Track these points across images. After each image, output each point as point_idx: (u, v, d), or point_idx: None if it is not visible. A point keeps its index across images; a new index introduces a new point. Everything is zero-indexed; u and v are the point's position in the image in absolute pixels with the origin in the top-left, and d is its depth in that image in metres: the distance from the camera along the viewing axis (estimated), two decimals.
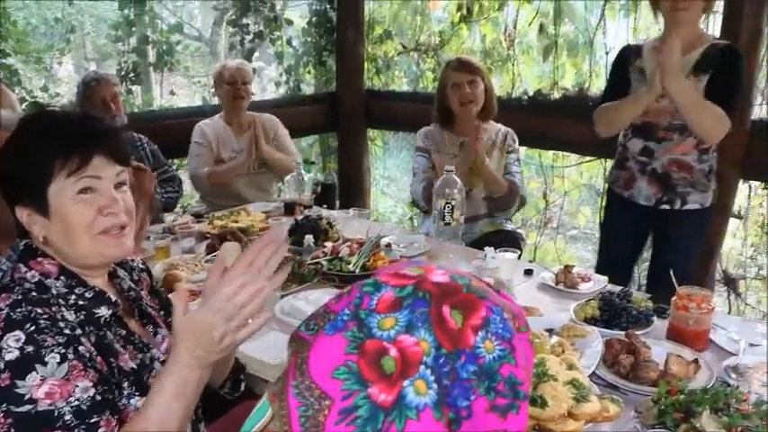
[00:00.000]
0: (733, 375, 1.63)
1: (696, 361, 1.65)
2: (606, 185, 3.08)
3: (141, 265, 1.48)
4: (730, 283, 3.51)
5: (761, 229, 3.43)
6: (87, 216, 1.19)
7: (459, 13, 4.26)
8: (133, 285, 1.37)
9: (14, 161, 1.19)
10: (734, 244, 3.52)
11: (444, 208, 2.41)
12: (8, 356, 1.03)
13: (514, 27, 4.03)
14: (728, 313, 3.39)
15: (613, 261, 2.86)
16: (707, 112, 2.44)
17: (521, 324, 0.77)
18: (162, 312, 1.42)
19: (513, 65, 4.06)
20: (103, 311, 1.22)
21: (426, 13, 4.56)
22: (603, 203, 3.23)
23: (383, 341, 0.70)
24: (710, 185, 2.69)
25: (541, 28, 3.94)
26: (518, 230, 3.25)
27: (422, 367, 0.69)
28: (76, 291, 1.20)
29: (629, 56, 2.71)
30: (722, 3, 3.08)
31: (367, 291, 0.75)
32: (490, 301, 0.74)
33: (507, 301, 0.80)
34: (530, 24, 4.01)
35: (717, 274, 3.43)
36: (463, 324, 0.72)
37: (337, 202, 3.74)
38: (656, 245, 2.88)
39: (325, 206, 3.26)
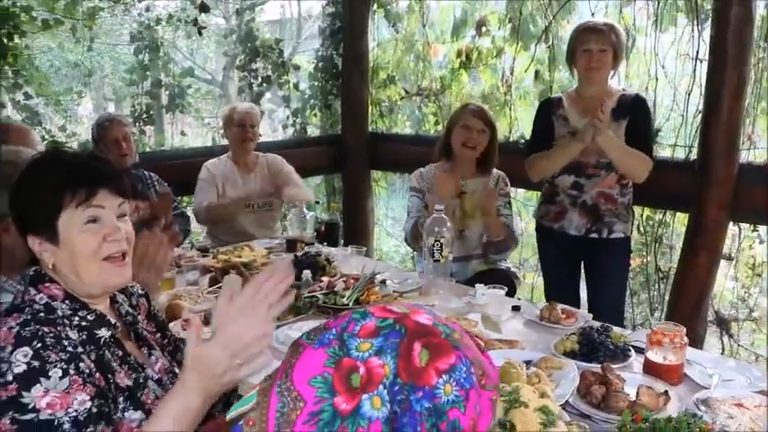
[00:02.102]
0: (702, 408, 1.69)
1: (666, 393, 1.71)
2: (536, 221, 3.31)
3: (140, 291, 1.59)
4: (722, 324, 3.56)
5: (751, 270, 3.49)
6: (93, 243, 1.31)
7: (458, 60, 4.43)
8: (131, 310, 1.48)
9: (28, 195, 1.31)
10: (725, 285, 3.58)
11: (434, 245, 2.51)
12: (16, 370, 1.14)
13: (511, 73, 4.18)
14: (722, 354, 3.45)
15: (559, 290, 3.09)
16: (632, 156, 2.84)
17: (487, 382, 0.85)
18: (158, 335, 1.53)
19: (510, 109, 4.20)
20: (103, 332, 1.33)
21: (428, 59, 4.72)
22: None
23: (357, 361, 0.81)
24: (630, 217, 3.04)
25: (537, 74, 4.09)
26: (512, 269, 3.33)
27: (380, 386, 0.79)
28: (80, 313, 1.32)
29: (551, 106, 3.05)
30: (708, 51, 3.22)
31: (355, 318, 0.86)
32: (462, 353, 0.83)
33: (485, 359, 0.89)
34: (526, 71, 4.15)
35: (709, 315, 3.48)
36: (427, 363, 0.81)
37: (341, 241, 3.84)
38: (588, 273, 3.17)
39: (325, 243, 3.38)
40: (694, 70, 3.40)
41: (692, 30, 3.42)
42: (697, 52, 3.38)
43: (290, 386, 0.81)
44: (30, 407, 1.12)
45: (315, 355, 0.82)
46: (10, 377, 1.13)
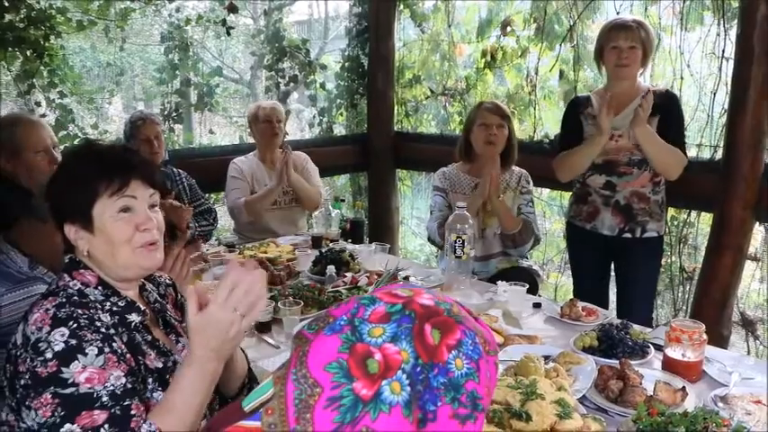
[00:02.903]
0: (720, 404, 1.70)
1: (684, 389, 1.73)
2: (566, 221, 3.30)
3: (168, 281, 1.66)
4: (748, 325, 3.52)
5: None
6: (126, 232, 1.37)
7: (484, 60, 4.45)
8: (159, 298, 1.55)
9: (65, 184, 1.38)
10: (752, 286, 3.54)
11: (456, 242, 2.54)
12: (56, 348, 1.21)
13: (536, 73, 4.19)
14: (747, 354, 3.42)
15: (588, 290, 3.06)
16: (668, 152, 2.82)
17: (490, 348, 0.91)
18: (184, 324, 1.59)
19: (535, 109, 4.20)
20: (134, 318, 1.40)
21: (453, 59, 4.74)
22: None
23: (370, 346, 0.85)
24: (663, 215, 3.00)
25: (562, 74, 4.08)
26: (534, 267, 3.34)
27: (399, 372, 0.83)
28: (111, 299, 1.39)
29: (579, 105, 3.04)
30: (734, 50, 3.20)
31: (363, 303, 0.90)
32: (465, 326, 0.89)
33: (482, 327, 0.94)
34: (551, 70, 4.15)
35: (734, 316, 3.45)
36: (440, 342, 0.86)
37: (366, 239, 3.88)
38: (619, 273, 3.14)
39: (350, 241, 3.43)
40: (720, 69, 3.37)
41: (719, 28, 3.39)
42: (723, 51, 3.36)
43: (305, 373, 0.85)
44: (70, 381, 1.19)
45: (328, 341, 0.86)
46: (50, 354, 1.20)
